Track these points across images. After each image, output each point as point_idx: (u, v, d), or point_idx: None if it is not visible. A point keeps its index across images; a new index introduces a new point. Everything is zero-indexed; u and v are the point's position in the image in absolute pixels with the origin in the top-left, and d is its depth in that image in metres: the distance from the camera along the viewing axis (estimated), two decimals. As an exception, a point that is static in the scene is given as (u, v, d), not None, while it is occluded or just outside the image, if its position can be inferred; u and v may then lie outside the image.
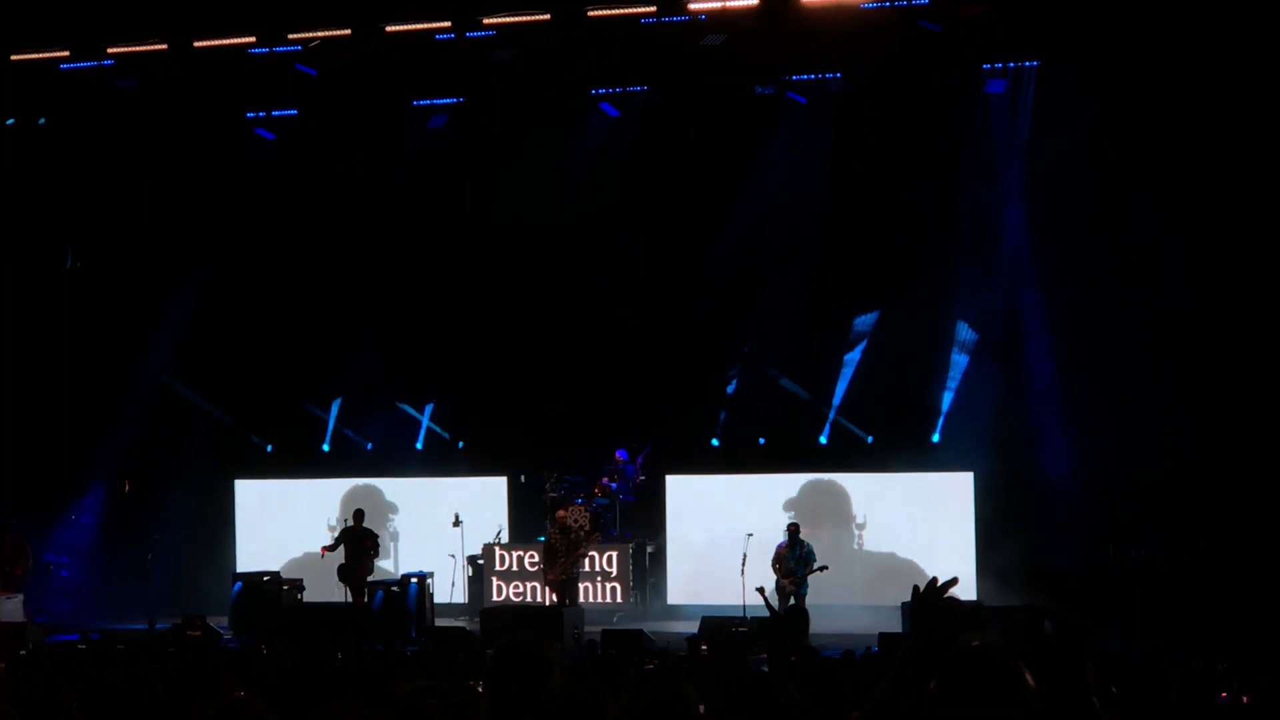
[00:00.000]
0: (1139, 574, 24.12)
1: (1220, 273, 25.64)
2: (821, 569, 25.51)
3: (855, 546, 28.22)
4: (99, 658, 15.53)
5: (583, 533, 26.63)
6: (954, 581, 5.28)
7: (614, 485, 28.16)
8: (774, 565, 25.25)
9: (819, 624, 23.45)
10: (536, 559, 27.38)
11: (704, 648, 20.66)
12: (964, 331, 27.83)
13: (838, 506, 28.36)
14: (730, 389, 29.29)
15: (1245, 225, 25.34)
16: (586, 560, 27.01)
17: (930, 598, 5.15)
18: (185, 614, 23.49)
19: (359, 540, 26.99)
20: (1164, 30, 24.59)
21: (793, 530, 25.54)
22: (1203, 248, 25.59)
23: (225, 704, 5.46)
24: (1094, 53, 25.41)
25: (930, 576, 5.34)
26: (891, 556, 27.92)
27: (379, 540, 27.63)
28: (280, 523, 30.95)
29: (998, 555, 26.50)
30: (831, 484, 28.49)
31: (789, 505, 28.13)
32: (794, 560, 25.14)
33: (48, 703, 7.95)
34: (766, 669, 15.75)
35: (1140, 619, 22.46)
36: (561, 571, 25.83)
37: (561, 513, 26.39)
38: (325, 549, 27.09)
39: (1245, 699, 11.42)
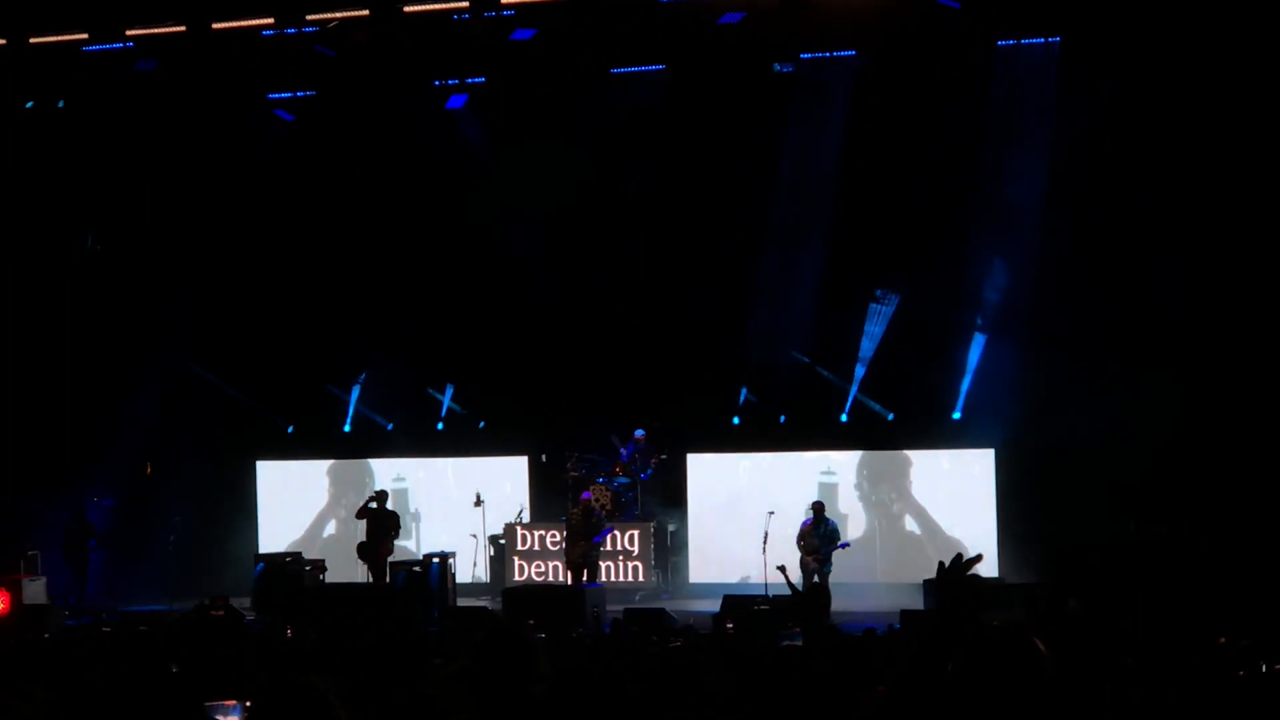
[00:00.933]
0: (1161, 549, 24.07)
1: (1245, 247, 25.54)
2: (844, 546, 25.59)
3: (877, 523, 28.25)
4: (118, 641, 15.58)
5: (605, 513, 26.68)
6: (979, 559, 5.32)
7: (632, 465, 28.13)
8: (798, 542, 25.33)
9: (840, 602, 23.52)
10: (558, 538, 27.41)
11: (729, 625, 20.70)
12: (985, 308, 27.75)
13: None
14: (750, 366, 29.21)
15: (1273, 194, 25.24)
16: (608, 539, 27.05)
17: (956, 574, 5.17)
18: (209, 595, 23.56)
19: (382, 521, 27.09)
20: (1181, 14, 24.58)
21: (818, 509, 25.58)
22: (1230, 217, 25.50)
23: (293, 687, 5.45)
24: (1111, 29, 25.35)
25: (955, 554, 5.36)
26: (913, 534, 27.96)
27: (400, 522, 27.74)
28: (302, 503, 31.08)
29: (1019, 532, 26.57)
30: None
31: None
32: (818, 538, 25.21)
33: (76, 683, 7.99)
34: (800, 643, 15.81)
35: (1162, 595, 22.43)
36: (580, 554, 25.90)
37: (587, 494, 26.45)
38: (359, 514, 27.36)
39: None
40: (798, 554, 25.10)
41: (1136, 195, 25.85)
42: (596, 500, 26.69)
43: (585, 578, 25.81)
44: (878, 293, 28.32)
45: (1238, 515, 24.53)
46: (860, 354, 28.50)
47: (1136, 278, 26.00)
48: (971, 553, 5.38)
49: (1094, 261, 26.30)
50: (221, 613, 22.69)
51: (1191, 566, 23.47)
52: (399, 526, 27.56)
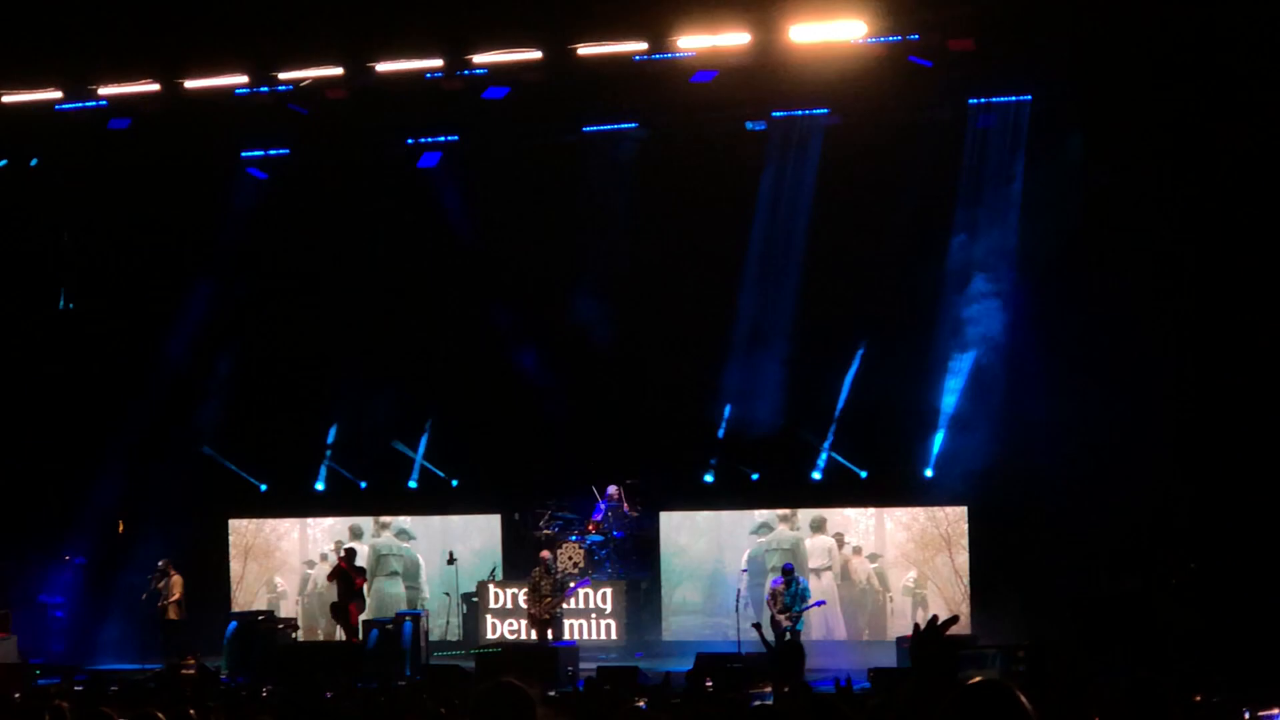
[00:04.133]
0: (1134, 604, 24.10)
1: (1217, 306, 25.65)
2: (819, 604, 25.65)
3: (848, 581, 28.16)
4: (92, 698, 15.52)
5: (575, 570, 26.61)
6: (954, 620, 5.34)
7: (605, 523, 28.09)
8: (769, 602, 25.36)
9: (811, 659, 23.50)
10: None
11: (709, 683, 20.67)
12: (956, 364, 27.77)
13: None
14: (723, 424, 29.21)
15: (1242, 258, 25.35)
16: (581, 597, 27.01)
17: (931, 636, 5.19)
18: (180, 653, 23.46)
19: (349, 579, 27.04)
20: (1151, 65, 24.73)
21: (787, 570, 25.66)
22: (1199, 279, 25.63)
23: None
24: (1081, 87, 25.54)
25: (930, 615, 5.40)
26: (885, 592, 27.86)
27: (366, 577, 27.74)
28: (274, 562, 30.94)
29: (993, 588, 26.51)
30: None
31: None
32: (789, 597, 25.23)
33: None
34: (771, 703, 15.79)
35: (1136, 649, 22.46)
36: (545, 610, 25.83)
37: (545, 553, 26.37)
38: (330, 577, 27.33)
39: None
40: (768, 613, 25.15)
41: (1109, 251, 25.95)
42: (568, 557, 26.64)
43: (551, 635, 25.77)
44: (852, 348, 28.38)
45: (1210, 570, 24.55)
46: (833, 412, 28.51)
47: (1111, 333, 26.05)
48: (944, 610, 5.42)
49: (1068, 317, 26.38)
50: (193, 671, 22.63)
51: (1165, 620, 23.53)
52: (364, 581, 27.55)
